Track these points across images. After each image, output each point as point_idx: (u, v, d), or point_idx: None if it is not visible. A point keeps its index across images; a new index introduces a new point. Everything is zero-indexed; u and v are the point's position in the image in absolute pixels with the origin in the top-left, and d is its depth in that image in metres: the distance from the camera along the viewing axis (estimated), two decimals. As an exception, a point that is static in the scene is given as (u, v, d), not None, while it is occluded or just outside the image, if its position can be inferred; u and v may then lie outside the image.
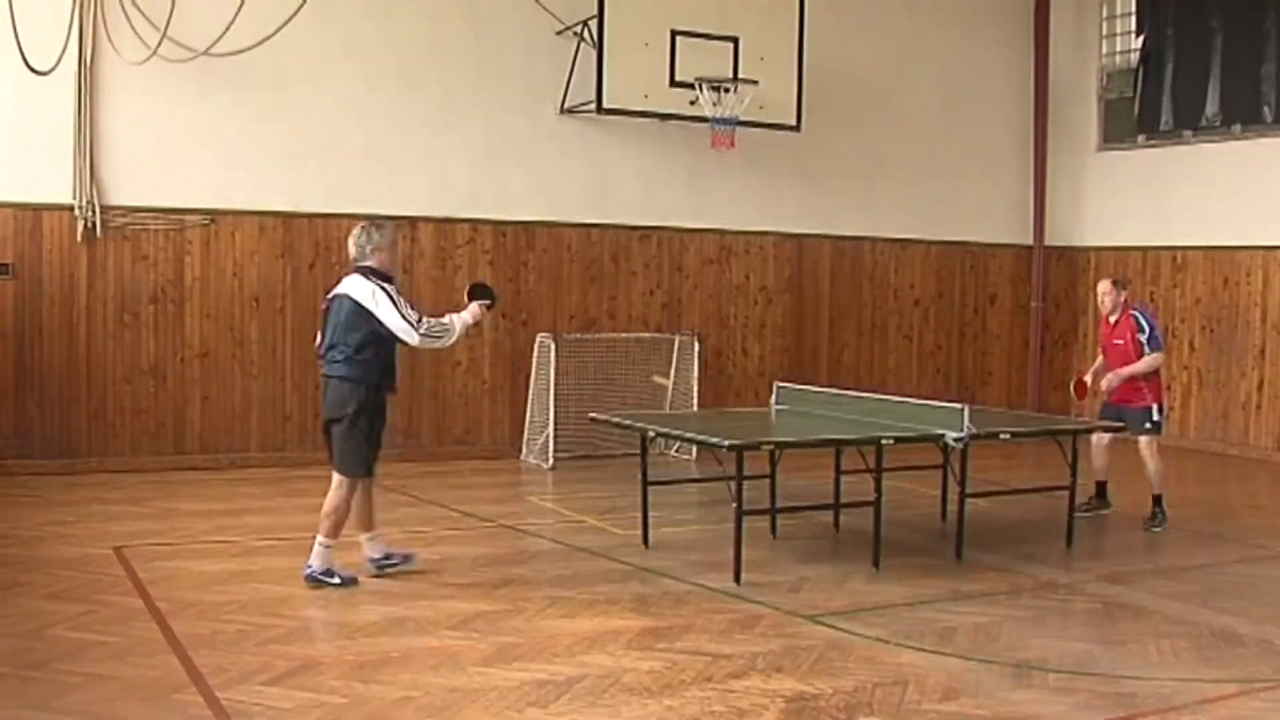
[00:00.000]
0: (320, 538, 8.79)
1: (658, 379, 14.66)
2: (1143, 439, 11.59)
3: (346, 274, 8.92)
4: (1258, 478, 14.80)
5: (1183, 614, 8.62)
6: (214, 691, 6.58)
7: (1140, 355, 11.59)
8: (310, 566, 8.83)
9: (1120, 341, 11.66)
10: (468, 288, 9.40)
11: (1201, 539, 11.26)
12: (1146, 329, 11.67)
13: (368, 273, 8.73)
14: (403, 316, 8.59)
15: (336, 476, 8.86)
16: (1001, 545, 10.63)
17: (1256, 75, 15.39)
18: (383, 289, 8.62)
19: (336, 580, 8.78)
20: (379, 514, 9.39)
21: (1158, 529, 11.47)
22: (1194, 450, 16.26)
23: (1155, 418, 11.65)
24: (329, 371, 8.81)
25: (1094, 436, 11.86)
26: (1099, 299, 11.93)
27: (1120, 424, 11.62)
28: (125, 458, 13.28)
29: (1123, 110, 17.88)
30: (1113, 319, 11.79)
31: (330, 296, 8.93)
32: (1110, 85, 18.22)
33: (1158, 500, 11.60)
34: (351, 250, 8.87)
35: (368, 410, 8.73)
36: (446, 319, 8.83)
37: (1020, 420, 13.16)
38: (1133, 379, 11.58)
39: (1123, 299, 11.79)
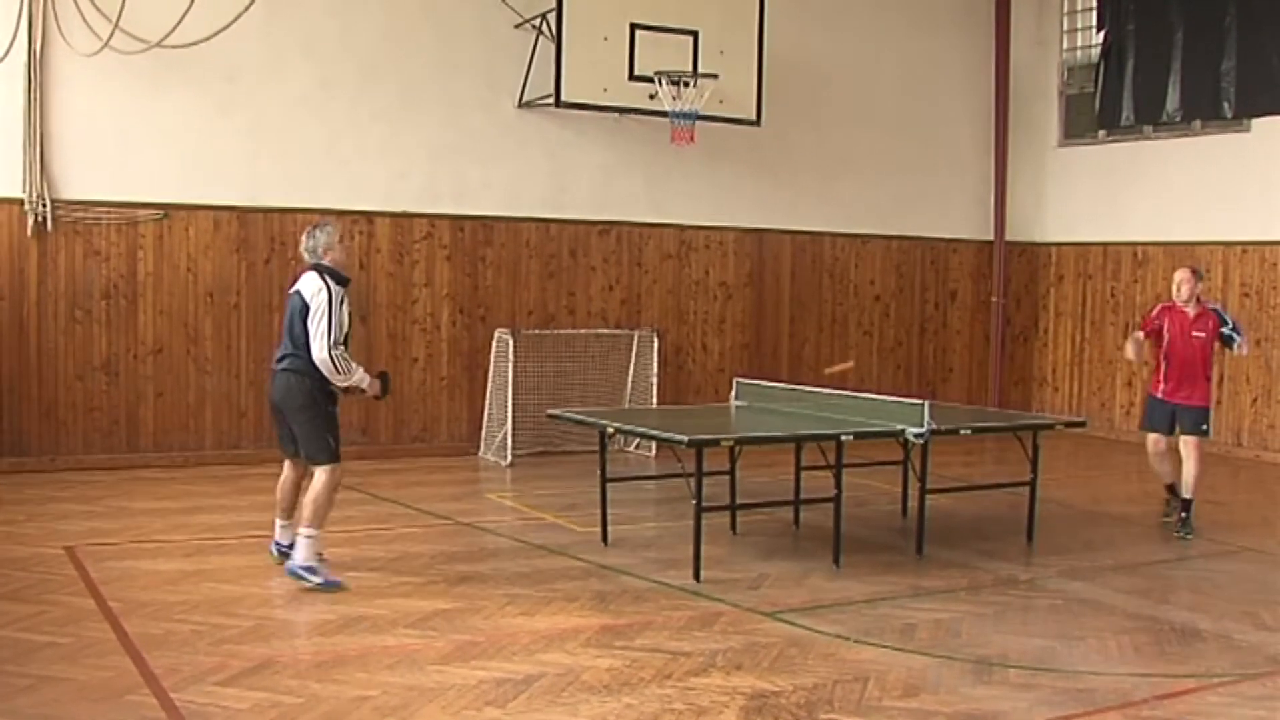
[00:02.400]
0: (302, 528, 8.74)
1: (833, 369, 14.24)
2: (1191, 439, 11.25)
3: (301, 270, 9.00)
4: (1218, 473, 14.77)
5: (1143, 609, 8.67)
6: (168, 693, 6.50)
7: (1213, 350, 11.35)
8: (292, 559, 8.78)
9: (1202, 335, 11.24)
10: (382, 374, 9.31)
11: (1162, 534, 11.30)
12: (1230, 321, 11.38)
13: (321, 271, 8.82)
14: (326, 328, 8.59)
15: (314, 468, 8.86)
16: (962, 541, 10.66)
17: (1216, 71, 15.39)
18: (327, 290, 8.67)
19: (318, 580, 8.66)
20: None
21: (1187, 536, 11.11)
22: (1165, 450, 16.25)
23: (1209, 421, 11.36)
24: (277, 365, 8.90)
25: (1149, 441, 11.57)
26: (1175, 287, 11.43)
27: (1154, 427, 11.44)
28: (77, 456, 13.12)
29: (1083, 106, 17.88)
30: (1189, 310, 11.33)
31: (290, 292, 9.01)
32: (1071, 80, 18.25)
33: (1187, 505, 11.27)
34: (304, 254, 8.99)
35: (317, 397, 8.76)
36: (356, 366, 8.81)
37: (981, 416, 13.16)
38: (1199, 379, 11.26)
39: (1199, 290, 11.41)
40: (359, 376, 8.80)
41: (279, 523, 9.23)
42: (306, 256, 8.94)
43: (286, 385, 8.80)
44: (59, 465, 12.99)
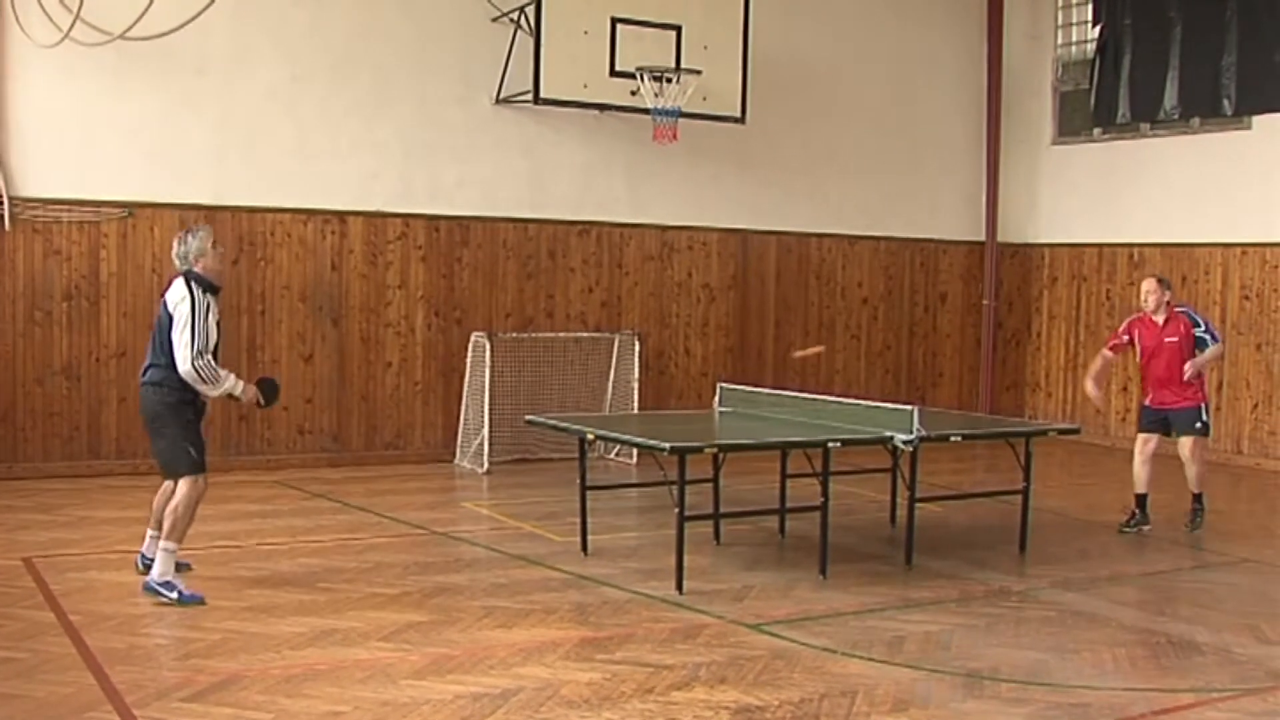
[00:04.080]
0: (161, 541, 8.60)
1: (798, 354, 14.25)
2: (1188, 440, 11.43)
3: (172, 277, 8.89)
4: (1216, 482, 14.70)
5: (1139, 621, 8.65)
6: (131, 709, 6.38)
7: (1194, 351, 11.38)
8: (150, 576, 8.62)
9: (1174, 339, 11.40)
10: (264, 380, 9.27)
11: (1158, 544, 11.21)
12: (1202, 323, 11.54)
13: (189, 278, 8.67)
14: (191, 337, 8.45)
15: (176, 480, 8.74)
16: (952, 551, 10.60)
17: (1216, 67, 15.23)
18: (191, 298, 8.52)
19: (174, 595, 8.44)
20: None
21: (1198, 529, 11.54)
22: (1152, 453, 16.07)
23: (1204, 418, 11.51)
24: (141, 378, 8.84)
25: (1137, 445, 11.69)
26: (1143, 297, 11.68)
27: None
28: (36, 463, 12.92)
29: (1078, 103, 17.76)
30: (1158, 318, 11.51)
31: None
32: (1066, 77, 18.15)
33: (1197, 499, 11.64)
34: (175, 261, 8.84)
35: (177, 407, 8.62)
36: (226, 374, 8.65)
37: (972, 422, 13.13)
38: (1183, 382, 11.36)
39: (1167, 298, 11.57)
40: (229, 384, 8.64)
41: (149, 534, 9.03)
42: (178, 263, 8.79)
43: (147, 398, 8.71)
44: (16, 473, 12.78)
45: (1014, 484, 10.75)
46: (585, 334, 15.17)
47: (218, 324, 8.67)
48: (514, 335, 14.62)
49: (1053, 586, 9.49)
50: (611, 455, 14.73)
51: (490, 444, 13.96)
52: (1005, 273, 18.25)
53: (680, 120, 14.28)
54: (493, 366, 14.02)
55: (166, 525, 8.52)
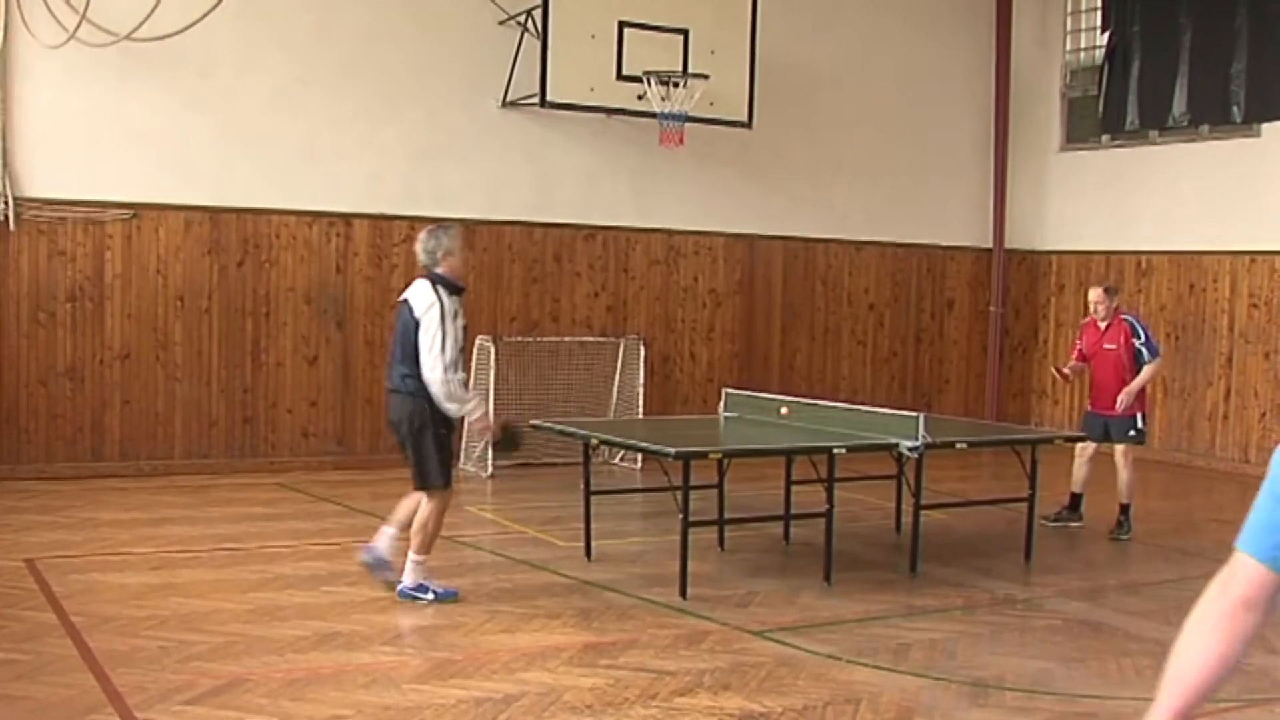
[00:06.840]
0: (411, 554, 8.58)
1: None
2: (1121, 447, 11.66)
3: (417, 277, 8.71)
4: (1223, 490, 14.73)
5: (1145, 631, 8.55)
6: (133, 712, 6.38)
7: (1133, 360, 11.60)
8: (402, 583, 8.61)
9: (1113, 346, 11.65)
10: (509, 427, 9.42)
11: (1165, 553, 11.21)
12: (1143, 335, 11.71)
13: (435, 280, 8.45)
14: (440, 348, 8.21)
15: (419, 493, 8.66)
16: (958, 559, 10.55)
17: (1226, 74, 15.24)
18: (440, 304, 8.28)
19: (430, 595, 8.55)
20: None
21: (1125, 537, 11.51)
22: (1158, 461, 16.09)
23: (1139, 426, 11.76)
24: (388, 384, 8.68)
25: (1078, 446, 11.90)
26: (1091, 306, 11.91)
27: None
28: (39, 465, 12.87)
29: (1087, 109, 17.72)
30: (1103, 324, 11.78)
31: (400, 300, 8.75)
32: (1074, 83, 18.08)
33: (1125, 510, 11.63)
34: (420, 256, 8.64)
35: (432, 421, 8.42)
36: (471, 394, 8.64)
37: (978, 429, 13.25)
38: (1120, 390, 11.56)
39: (1114, 305, 11.83)
40: (470, 407, 8.61)
41: (385, 530, 8.88)
42: (423, 259, 8.59)
43: (402, 407, 8.46)
44: (20, 474, 12.71)
45: (1020, 492, 10.72)
46: (590, 338, 15.10)
47: (464, 329, 8.47)
48: (519, 339, 14.56)
49: (1058, 595, 9.47)
50: (616, 460, 14.64)
51: (494, 448, 13.80)
52: (1012, 279, 18.18)
53: (687, 125, 14.24)
54: (497, 370, 13.96)
55: (415, 541, 8.50)
